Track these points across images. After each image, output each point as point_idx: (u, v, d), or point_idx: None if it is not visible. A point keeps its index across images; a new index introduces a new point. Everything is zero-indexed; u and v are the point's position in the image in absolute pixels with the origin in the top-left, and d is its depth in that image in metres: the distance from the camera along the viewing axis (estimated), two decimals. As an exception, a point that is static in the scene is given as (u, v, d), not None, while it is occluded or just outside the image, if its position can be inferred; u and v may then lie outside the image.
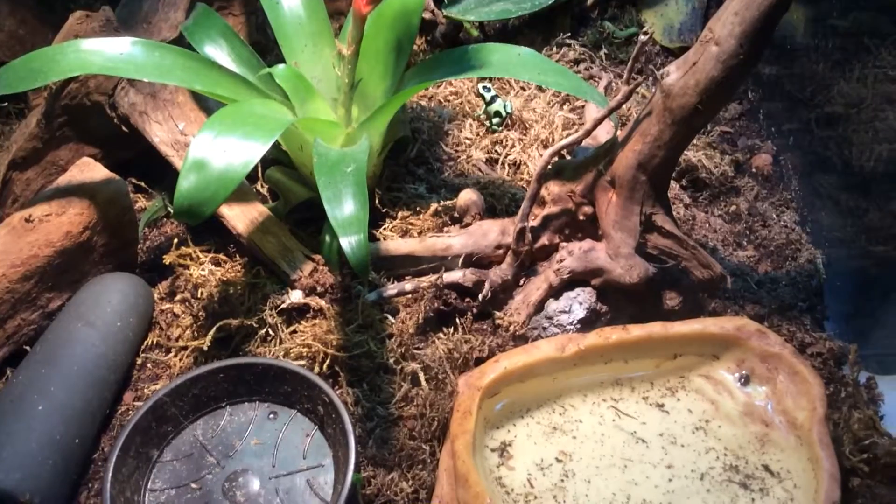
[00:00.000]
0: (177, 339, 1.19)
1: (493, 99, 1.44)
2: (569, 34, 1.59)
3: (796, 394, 1.02)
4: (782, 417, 1.02)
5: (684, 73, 1.01)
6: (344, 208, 0.97)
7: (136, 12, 1.46)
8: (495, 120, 1.44)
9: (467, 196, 1.23)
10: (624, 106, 1.29)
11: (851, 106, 1.44)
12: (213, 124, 1.06)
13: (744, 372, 1.06)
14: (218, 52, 1.30)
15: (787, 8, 0.95)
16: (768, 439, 1.02)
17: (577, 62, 1.56)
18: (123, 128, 1.34)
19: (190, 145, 1.04)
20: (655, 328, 1.07)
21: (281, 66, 1.22)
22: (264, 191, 1.38)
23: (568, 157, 1.29)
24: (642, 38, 1.03)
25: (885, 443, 1.04)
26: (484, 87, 1.46)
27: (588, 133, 1.10)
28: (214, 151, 1.03)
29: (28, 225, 1.15)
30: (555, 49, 1.57)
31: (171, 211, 1.35)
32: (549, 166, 1.12)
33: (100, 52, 1.12)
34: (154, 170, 1.38)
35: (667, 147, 1.06)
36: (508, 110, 1.43)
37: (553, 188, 1.18)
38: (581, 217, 1.17)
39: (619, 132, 1.15)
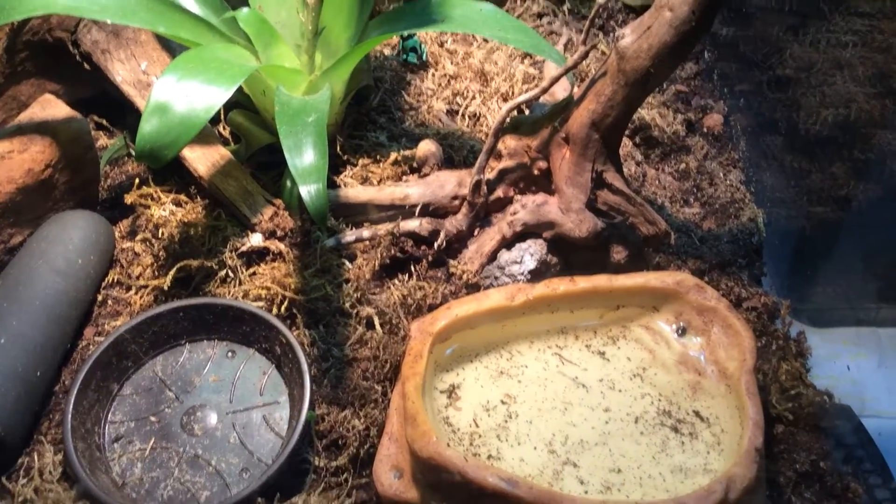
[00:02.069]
0: (137, 278, 1.21)
1: (409, 36, 1.47)
2: (533, -13, 1.61)
3: (728, 345, 1.08)
4: (714, 367, 1.09)
5: (638, 37, 1.04)
6: (304, 157, 0.99)
7: (99, -51, 1.44)
8: (411, 56, 1.46)
9: (426, 147, 1.26)
10: (583, 63, 1.32)
11: (802, 70, 1.48)
12: (175, 68, 1.07)
13: (681, 324, 1.13)
14: (182, -7, 1.30)
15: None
16: (700, 387, 1.09)
17: (540, 16, 1.58)
18: (86, 65, 1.34)
19: (152, 88, 1.05)
20: (601, 280, 1.12)
21: (245, 9, 1.23)
22: (227, 133, 1.40)
23: (526, 113, 1.32)
24: (600, 1, 1.06)
25: (809, 393, 1.11)
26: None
27: (545, 90, 1.13)
28: (177, 96, 1.04)
29: (-11, 161, 1.16)
30: (518, 2, 1.59)
31: (133, 151, 1.36)
32: (507, 121, 1.16)
33: (63, -10, 1.11)
34: (116, 108, 1.39)
35: (619, 107, 1.10)
36: (423, 57, 1.47)
37: (510, 142, 1.22)
38: (536, 172, 1.21)
39: (575, 90, 1.18)
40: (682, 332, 1.12)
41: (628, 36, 1.06)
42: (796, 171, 1.40)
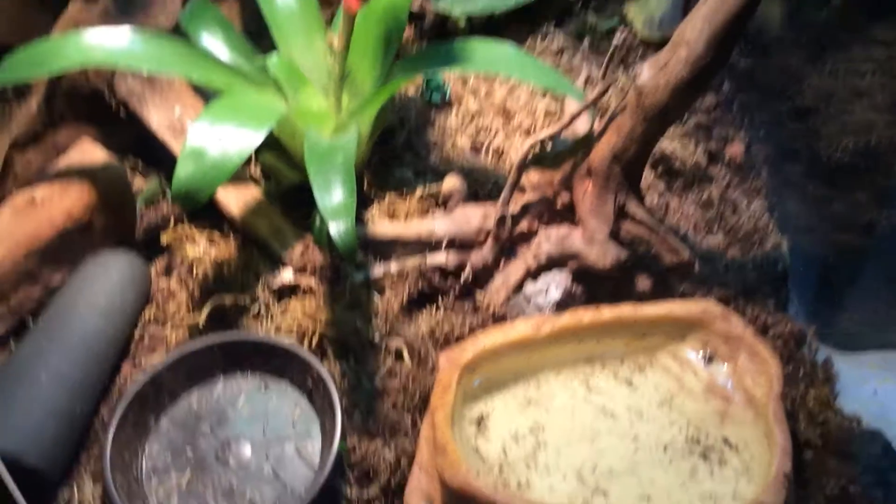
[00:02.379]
0: (173, 314, 1.25)
1: (432, 75, 1.52)
2: (553, 25, 1.64)
3: (755, 372, 1.09)
4: (742, 394, 1.09)
5: (656, 73, 1.07)
6: (333, 196, 1.03)
7: (134, 2, 1.50)
8: (435, 94, 1.50)
9: (451, 182, 1.29)
10: (603, 97, 1.35)
11: (822, 99, 1.50)
12: (209, 114, 1.11)
13: (707, 351, 1.13)
14: (213, 40, 1.35)
15: (752, 14, 1.01)
16: (728, 414, 1.09)
17: (560, 52, 1.61)
18: (122, 111, 1.39)
19: (187, 134, 1.09)
20: (626, 310, 1.14)
21: (274, 56, 1.28)
22: (257, 173, 1.44)
23: (548, 147, 1.34)
24: (615, 42, 1.09)
25: (836, 419, 1.12)
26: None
27: (566, 126, 1.16)
28: (211, 140, 1.08)
29: (31, 206, 1.21)
30: (539, 40, 1.62)
31: (168, 191, 1.40)
32: (530, 156, 1.18)
33: (101, 44, 1.16)
34: (151, 151, 1.43)
35: (640, 141, 1.12)
36: (447, 95, 1.50)
37: (533, 176, 1.24)
38: (559, 204, 1.24)
39: (595, 124, 1.21)
40: (709, 359, 1.13)
41: (646, 72, 1.09)
42: (819, 198, 1.41)
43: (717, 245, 1.35)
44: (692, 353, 1.14)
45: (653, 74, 1.08)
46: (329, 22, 1.60)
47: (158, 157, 1.45)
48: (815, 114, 1.49)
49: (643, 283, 1.21)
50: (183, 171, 1.07)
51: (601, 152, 1.16)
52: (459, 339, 1.17)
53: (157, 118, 1.38)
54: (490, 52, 1.23)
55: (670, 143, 1.44)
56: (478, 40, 1.24)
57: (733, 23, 1.02)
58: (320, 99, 1.32)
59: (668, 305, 1.14)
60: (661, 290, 1.22)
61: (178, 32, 1.41)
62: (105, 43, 1.18)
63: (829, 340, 1.30)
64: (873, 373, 1.32)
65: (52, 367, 1.10)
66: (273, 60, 1.28)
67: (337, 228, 1.02)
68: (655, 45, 1.65)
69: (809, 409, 1.12)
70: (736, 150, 1.50)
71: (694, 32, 1.04)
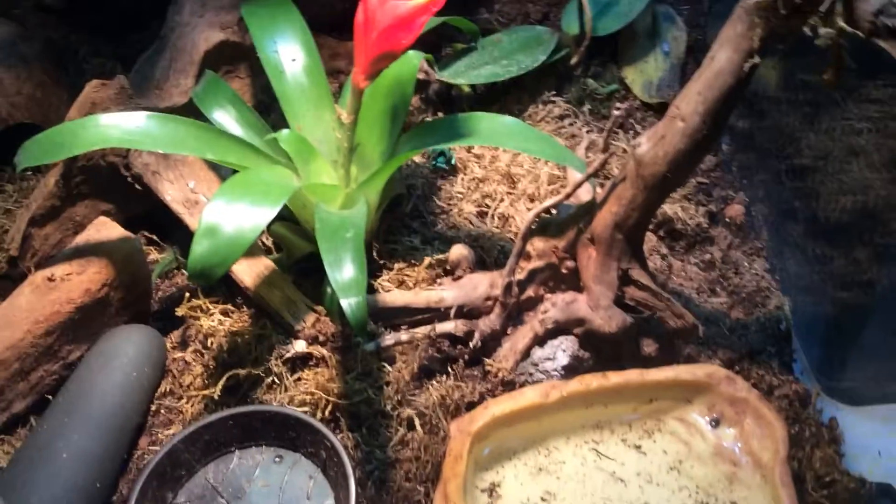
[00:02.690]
0: (188, 387, 1.28)
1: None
2: (554, 92, 1.69)
3: (762, 436, 1.10)
4: (749, 458, 1.11)
5: (654, 145, 1.11)
6: (344, 272, 1.06)
7: (149, 78, 1.56)
8: (440, 161, 1.54)
9: (458, 251, 1.33)
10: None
11: (819, 158, 1.53)
12: (224, 192, 1.15)
13: (714, 415, 1.15)
14: (226, 117, 1.40)
15: (745, 88, 1.05)
16: (736, 478, 1.10)
17: (561, 118, 1.65)
18: (137, 186, 1.44)
19: (203, 212, 1.13)
20: (633, 375, 1.16)
21: (285, 131, 1.32)
22: (269, 243, 1.48)
23: (552, 213, 1.38)
24: (615, 113, 1.13)
25: (844, 480, 1.13)
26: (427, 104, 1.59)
27: (568, 196, 1.20)
28: (226, 218, 1.12)
29: (50, 284, 1.24)
30: (540, 106, 1.67)
31: (182, 263, 1.44)
32: (534, 225, 1.22)
33: (117, 126, 1.21)
34: (166, 223, 1.47)
35: (640, 209, 1.15)
36: (452, 161, 1.55)
37: (538, 244, 1.28)
38: (564, 271, 1.26)
39: (598, 192, 1.25)
40: (716, 423, 1.15)
41: (644, 144, 1.12)
42: (819, 257, 1.44)
43: (720, 306, 1.38)
44: (699, 417, 1.16)
45: (651, 146, 1.12)
46: (337, 94, 1.66)
47: (173, 230, 1.49)
48: (813, 173, 1.51)
49: (649, 346, 1.24)
50: (199, 248, 1.10)
51: (603, 220, 1.19)
52: (470, 405, 1.20)
53: (171, 192, 1.42)
54: (493, 126, 1.27)
55: (672, 206, 1.47)
56: (481, 114, 1.29)
57: (727, 97, 1.05)
58: (330, 171, 1.36)
59: (674, 370, 1.16)
60: (668, 353, 1.24)
61: (192, 108, 1.47)
62: (122, 124, 1.23)
63: (835, 395, 1.32)
64: (882, 426, 1.33)
65: (72, 444, 1.13)
66: (284, 135, 1.32)
67: (349, 303, 1.04)
68: (655, 108, 1.69)
69: (816, 470, 1.13)
70: (736, 210, 1.53)
71: (689, 106, 1.07)
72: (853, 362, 1.41)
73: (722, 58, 1.04)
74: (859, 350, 1.42)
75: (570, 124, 1.64)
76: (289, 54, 1.42)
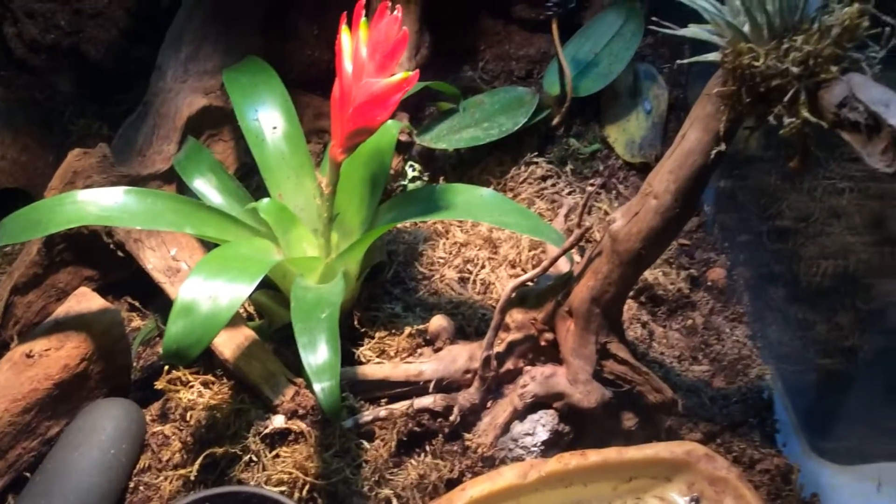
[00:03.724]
0: (167, 462, 1.26)
1: (414, 179, 1.61)
2: (536, 153, 1.69)
3: (742, 516, 1.10)
4: (729, 538, 1.10)
5: (628, 221, 1.11)
6: (318, 355, 1.05)
7: (132, 144, 1.56)
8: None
9: (438, 322, 1.32)
10: (588, 220, 1.39)
11: (800, 220, 1.53)
12: (201, 269, 1.15)
13: (694, 495, 1.14)
14: (206, 185, 1.41)
15: (716, 167, 1.05)
16: (717, 560, 1.09)
17: (544, 178, 1.66)
18: (119, 253, 1.44)
19: (179, 290, 1.13)
20: (611, 454, 1.15)
21: (265, 200, 1.33)
22: (251, 309, 1.47)
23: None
24: (589, 189, 1.13)
25: (826, 560, 1.12)
26: (410, 167, 1.62)
27: (545, 270, 1.20)
28: (202, 296, 1.12)
29: (28, 360, 1.24)
30: (523, 167, 1.67)
31: (163, 331, 1.43)
32: (511, 298, 1.22)
33: (95, 202, 1.21)
34: (148, 290, 1.47)
35: (616, 284, 1.15)
36: None
37: (517, 315, 1.27)
38: (543, 343, 1.26)
39: (575, 264, 1.25)
40: (696, 502, 1.14)
41: (619, 220, 1.12)
42: (801, 322, 1.43)
43: (702, 375, 1.37)
44: (679, 497, 1.15)
45: (625, 222, 1.12)
46: (320, 155, 1.67)
47: (155, 296, 1.49)
48: (794, 235, 1.52)
49: (629, 420, 1.23)
50: (174, 328, 1.10)
51: (580, 294, 1.19)
52: (450, 482, 1.19)
53: (152, 260, 1.42)
54: (470, 198, 1.28)
55: (653, 271, 1.47)
56: (458, 186, 1.30)
57: (697, 176, 1.05)
58: (311, 239, 1.37)
59: (653, 448, 1.15)
60: (648, 427, 1.23)
61: (175, 173, 1.48)
62: (99, 201, 1.23)
63: (824, 455, 1.31)
64: (868, 486, 1.33)
65: (46, 528, 1.12)
66: (263, 205, 1.32)
67: (321, 388, 1.04)
68: (637, 167, 1.70)
69: (799, 549, 1.12)
70: (718, 274, 1.53)
71: (662, 184, 1.08)
72: (839, 423, 1.40)
73: (692, 137, 1.05)
74: (845, 411, 1.41)
75: (553, 185, 1.64)
76: (269, 122, 1.43)
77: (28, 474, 1.22)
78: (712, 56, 0.97)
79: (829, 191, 1.56)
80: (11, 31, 1.81)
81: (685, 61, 1.01)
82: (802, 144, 0.94)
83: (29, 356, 1.24)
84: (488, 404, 1.26)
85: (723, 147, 0.99)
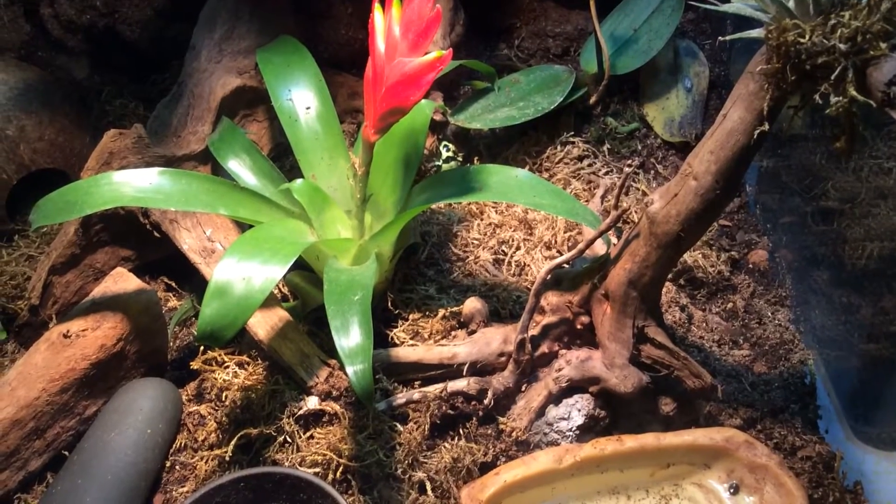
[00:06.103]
0: (203, 442, 1.27)
1: (448, 159, 1.58)
2: (572, 132, 1.66)
3: (782, 504, 1.07)
4: (769, 527, 1.08)
5: (667, 203, 1.08)
6: (350, 338, 1.05)
7: (168, 125, 1.57)
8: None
9: (472, 305, 1.31)
10: (626, 202, 1.36)
11: (846, 200, 1.48)
12: (235, 250, 1.15)
13: (733, 482, 1.12)
14: (240, 166, 1.40)
15: (758, 147, 1.02)
16: (755, 548, 1.07)
17: (580, 159, 1.63)
18: (156, 233, 1.44)
19: (213, 271, 1.13)
20: (648, 439, 1.13)
21: (298, 181, 1.32)
22: (286, 290, 1.47)
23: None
24: (627, 169, 1.10)
25: (869, 550, 1.09)
26: (444, 147, 1.60)
27: (581, 252, 1.17)
28: (236, 277, 1.12)
29: (66, 340, 1.25)
30: (559, 147, 1.64)
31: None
32: (546, 281, 1.20)
33: (129, 183, 1.22)
34: (184, 270, 1.47)
35: (654, 267, 1.13)
36: None
37: (552, 298, 1.25)
38: (579, 326, 1.24)
39: (612, 246, 1.22)
40: (735, 490, 1.12)
41: (657, 202, 1.10)
42: (846, 306, 1.39)
43: (742, 360, 1.34)
44: (717, 484, 1.13)
45: (664, 204, 1.09)
46: (354, 135, 1.65)
47: (192, 276, 1.49)
48: (839, 216, 1.47)
49: (667, 405, 1.21)
50: (208, 310, 1.10)
51: (617, 277, 1.16)
52: (483, 466, 1.18)
53: (188, 241, 1.42)
54: (505, 178, 1.26)
55: (692, 253, 1.44)
56: (492, 167, 1.27)
57: (739, 157, 1.02)
58: (344, 220, 1.36)
59: (692, 434, 1.13)
60: (687, 412, 1.21)
61: (208, 155, 1.48)
62: (134, 182, 1.23)
63: (869, 442, 1.27)
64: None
65: (85, 505, 1.13)
66: (297, 186, 1.31)
67: (354, 371, 1.03)
68: (677, 146, 1.66)
69: (840, 539, 1.09)
70: (759, 256, 1.49)
71: (702, 165, 1.05)
72: (883, 410, 1.36)
73: (734, 117, 1.01)
74: (890, 397, 1.37)
75: (590, 165, 1.62)
76: (303, 102, 1.42)
77: (66, 453, 1.24)
78: (756, 32, 0.94)
79: (875, 171, 1.51)
80: (48, 11, 1.82)
81: (727, 38, 0.97)
82: (850, 124, 0.90)
83: (66, 336, 1.25)
84: (523, 388, 1.25)
85: (766, 127, 0.96)
